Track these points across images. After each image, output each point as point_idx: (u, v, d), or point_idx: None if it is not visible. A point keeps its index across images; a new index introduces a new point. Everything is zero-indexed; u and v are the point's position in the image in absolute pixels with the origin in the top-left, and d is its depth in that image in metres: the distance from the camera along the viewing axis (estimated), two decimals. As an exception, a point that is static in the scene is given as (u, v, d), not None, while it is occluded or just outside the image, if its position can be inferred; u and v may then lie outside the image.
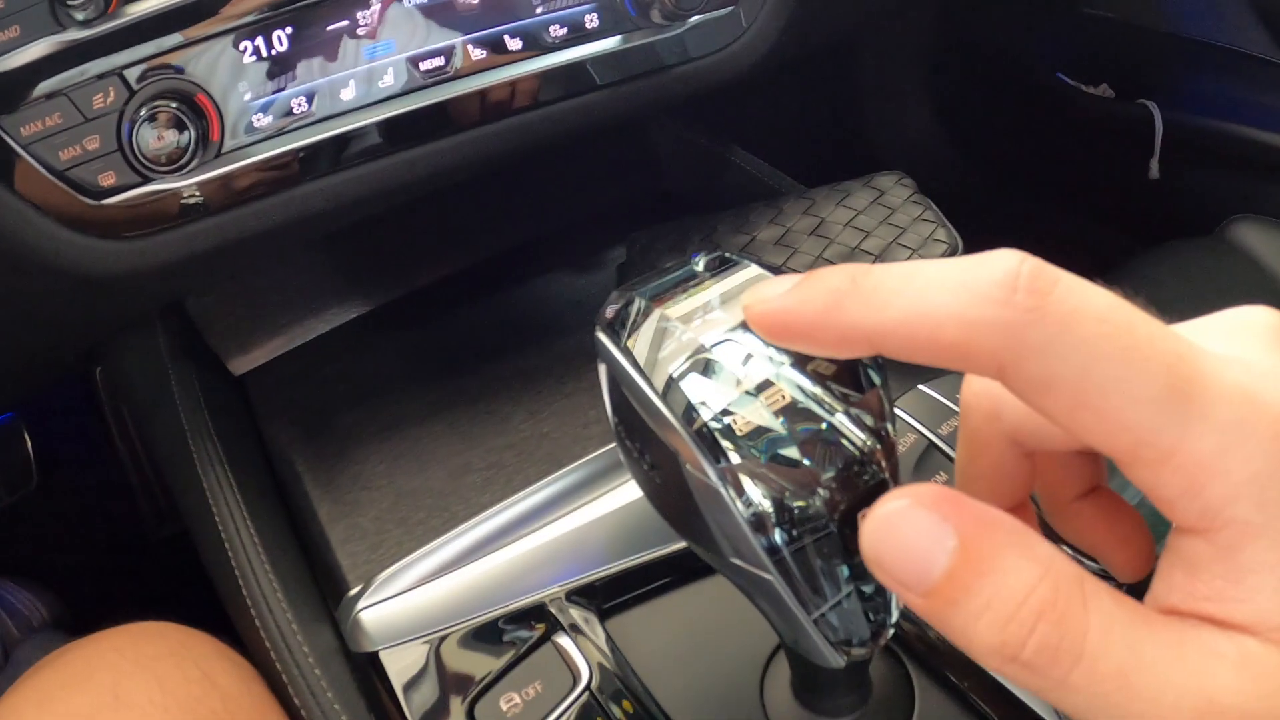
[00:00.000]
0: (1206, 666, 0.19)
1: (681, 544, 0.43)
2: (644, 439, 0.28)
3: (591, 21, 0.50)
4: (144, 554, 0.87)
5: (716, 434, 0.25)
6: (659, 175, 0.78)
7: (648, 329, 0.28)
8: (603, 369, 0.29)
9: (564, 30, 0.50)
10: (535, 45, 0.49)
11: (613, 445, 0.49)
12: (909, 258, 0.55)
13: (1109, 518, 0.28)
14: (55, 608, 0.78)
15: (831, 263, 0.55)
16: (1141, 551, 0.28)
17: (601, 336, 0.29)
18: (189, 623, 0.50)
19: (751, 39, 0.54)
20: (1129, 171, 0.98)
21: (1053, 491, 0.28)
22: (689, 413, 0.26)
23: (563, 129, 0.52)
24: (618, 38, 0.51)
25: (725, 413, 0.25)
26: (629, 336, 0.28)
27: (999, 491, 0.28)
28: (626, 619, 0.44)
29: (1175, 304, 0.21)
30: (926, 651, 0.40)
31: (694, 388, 0.26)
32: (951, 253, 0.55)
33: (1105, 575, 0.36)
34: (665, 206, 0.74)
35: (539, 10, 0.49)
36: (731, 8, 0.53)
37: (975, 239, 0.58)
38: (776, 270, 0.29)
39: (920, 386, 0.48)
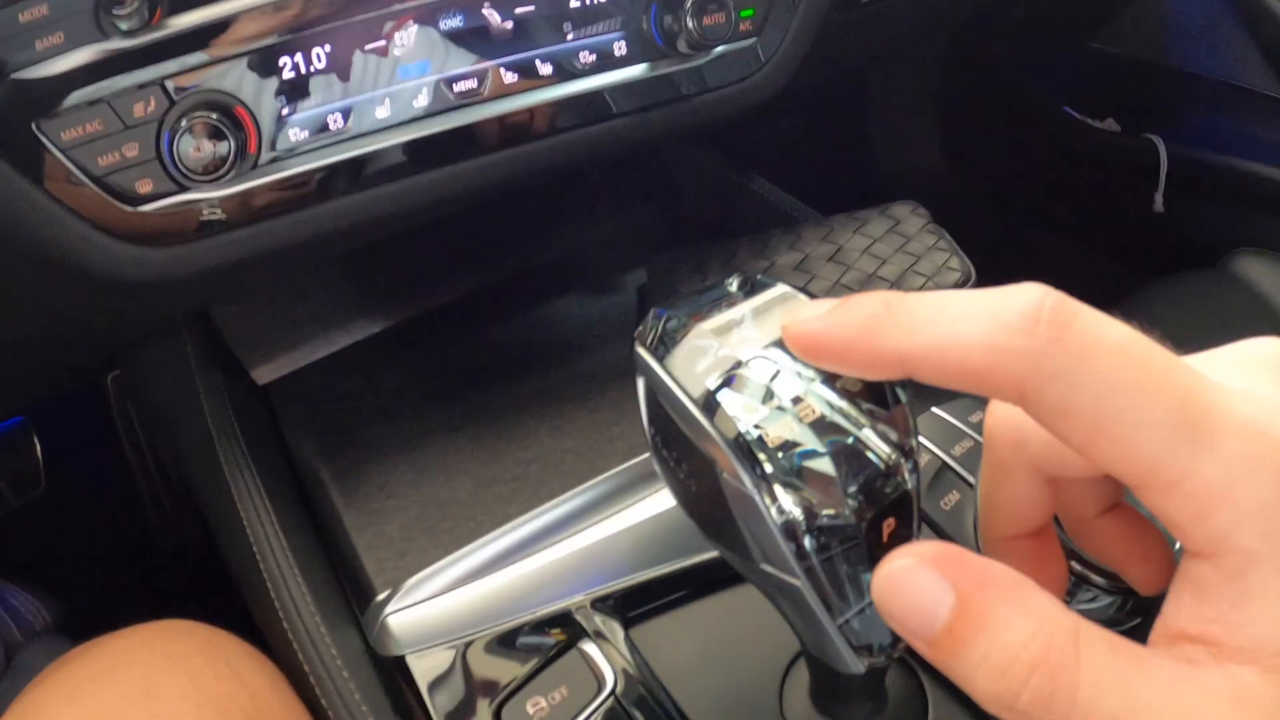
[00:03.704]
0: (1201, 706, 0.20)
1: (704, 555, 0.44)
2: (681, 449, 0.29)
3: (620, 49, 0.52)
4: (150, 562, 0.87)
5: (752, 445, 0.26)
6: (677, 200, 0.80)
7: (685, 344, 0.29)
8: (641, 382, 0.30)
9: (593, 57, 0.51)
10: (565, 71, 0.51)
11: (638, 459, 0.50)
12: (924, 285, 0.56)
13: (1128, 533, 0.29)
14: (58, 612, 0.77)
15: (849, 289, 0.57)
16: (1160, 565, 0.29)
17: (640, 351, 0.30)
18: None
19: (771, 70, 0.56)
20: (1134, 204, 1.00)
21: (1074, 510, 0.29)
22: (726, 424, 0.27)
23: (587, 153, 0.53)
24: (644, 65, 0.53)
25: (760, 425, 0.26)
26: (667, 351, 0.29)
27: (1022, 516, 0.29)
28: (650, 628, 0.44)
29: (1179, 336, 0.22)
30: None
31: (730, 401, 0.27)
32: (964, 281, 0.57)
33: (1125, 590, 0.37)
34: (683, 231, 0.75)
35: (570, 37, 0.50)
36: (753, 39, 0.55)
37: (982, 269, 0.60)
38: (803, 291, 0.31)
39: (934, 409, 0.49)
